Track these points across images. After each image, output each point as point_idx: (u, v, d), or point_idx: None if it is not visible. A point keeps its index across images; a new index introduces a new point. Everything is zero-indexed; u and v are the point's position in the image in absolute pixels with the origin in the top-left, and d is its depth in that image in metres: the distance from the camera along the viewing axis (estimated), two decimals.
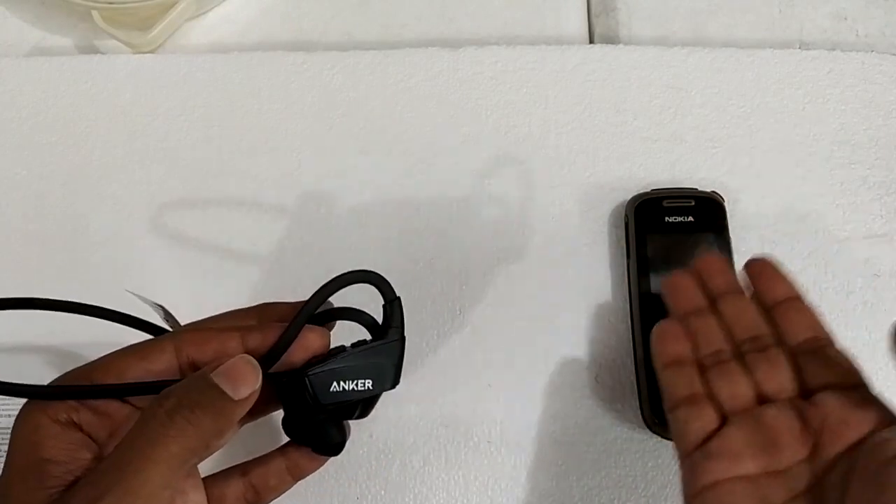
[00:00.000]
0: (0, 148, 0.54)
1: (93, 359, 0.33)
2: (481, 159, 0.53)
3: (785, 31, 0.57)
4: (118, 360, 0.33)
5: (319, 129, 0.54)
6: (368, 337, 0.36)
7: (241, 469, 0.36)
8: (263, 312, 0.37)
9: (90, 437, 0.32)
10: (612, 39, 0.58)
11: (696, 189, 0.50)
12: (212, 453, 0.33)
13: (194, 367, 0.34)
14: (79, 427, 0.32)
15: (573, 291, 0.49)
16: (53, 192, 0.52)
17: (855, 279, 0.49)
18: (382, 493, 0.46)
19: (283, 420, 0.36)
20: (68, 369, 0.33)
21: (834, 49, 0.55)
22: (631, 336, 0.48)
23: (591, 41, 0.58)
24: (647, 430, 0.46)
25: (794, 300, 0.38)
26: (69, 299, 0.36)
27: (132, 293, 0.40)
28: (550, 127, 0.53)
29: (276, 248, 0.51)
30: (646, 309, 0.47)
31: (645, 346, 0.46)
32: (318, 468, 0.37)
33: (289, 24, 0.58)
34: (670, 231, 0.48)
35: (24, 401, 0.32)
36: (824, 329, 0.37)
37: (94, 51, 0.57)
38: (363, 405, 0.36)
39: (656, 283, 0.47)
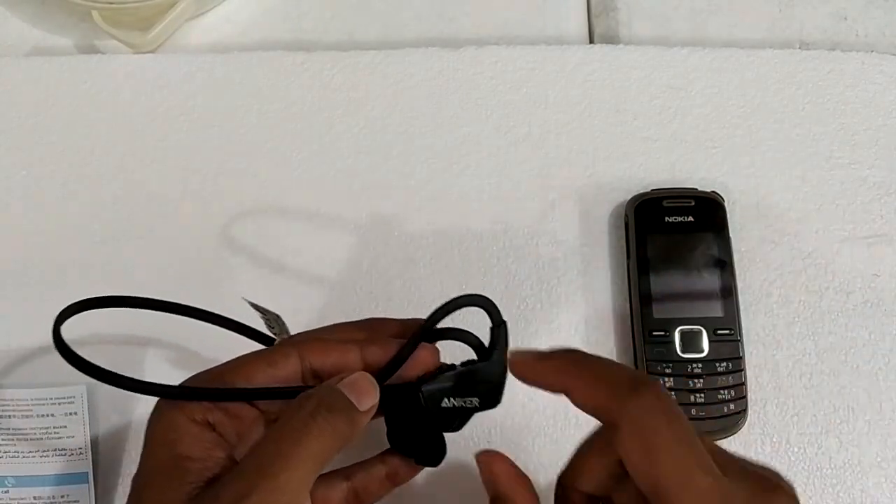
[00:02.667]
0: (0, 148, 0.54)
1: (195, 358, 0.37)
2: (481, 159, 0.53)
3: (785, 31, 0.57)
4: (247, 364, 0.35)
5: (319, 129, 0.54)
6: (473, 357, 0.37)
7: (345, 473, 0.38)
8: (372, 327, 0.38)
9: (222, 437, 0.34)
10: (612, 39, 0.58)
11: (696, 189, 0.50)
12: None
13: (315, 375, 0.35)
14: (212, 427, 0.33)
15: (573, 291, 0.49)
16: (53, 192, 0.52)
17: (855, 279, 0.49)
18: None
19: (388, 432, 0.38)
20: (165, 368, 0.35)
21: (834, 49, 0.55)
22: (631, 336, 0.48)
23: (591, 41, 0.58)
24: None
25: None
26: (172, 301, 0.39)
27: (248, 301, 0.41)
28: (550, 127, 0.53)
29: (276, 248, 0.51)
30: (646, 309, 0.47)
31: (645, 346, 0.46)
32: (414, 476, 0.38)
33: (289, 24, 0.58)
34: (670, 231, 0.48)
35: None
36: None
37: (94, 51, 0.57)
38: (461, 419, 0.37)
39: (656, 283, 0.47)
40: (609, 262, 0.50)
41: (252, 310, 0.42)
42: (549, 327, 0.49)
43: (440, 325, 0.36)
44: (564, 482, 0.35)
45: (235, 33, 0.58)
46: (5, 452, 0.46)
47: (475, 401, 0.36)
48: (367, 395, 0.34)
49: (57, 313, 0.35)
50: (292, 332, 0.41)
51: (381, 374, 0.35)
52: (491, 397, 0.37)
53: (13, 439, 0.46)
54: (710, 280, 0.48)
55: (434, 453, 0.38)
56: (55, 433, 0.46)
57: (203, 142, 0.53)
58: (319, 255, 0.50)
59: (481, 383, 0.36)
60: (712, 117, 0.53)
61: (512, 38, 0.57)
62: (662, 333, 0.46)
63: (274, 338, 0.41)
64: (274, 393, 0.34)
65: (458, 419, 0.37)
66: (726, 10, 0.58)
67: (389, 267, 0.50)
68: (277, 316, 0.42)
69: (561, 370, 0.35)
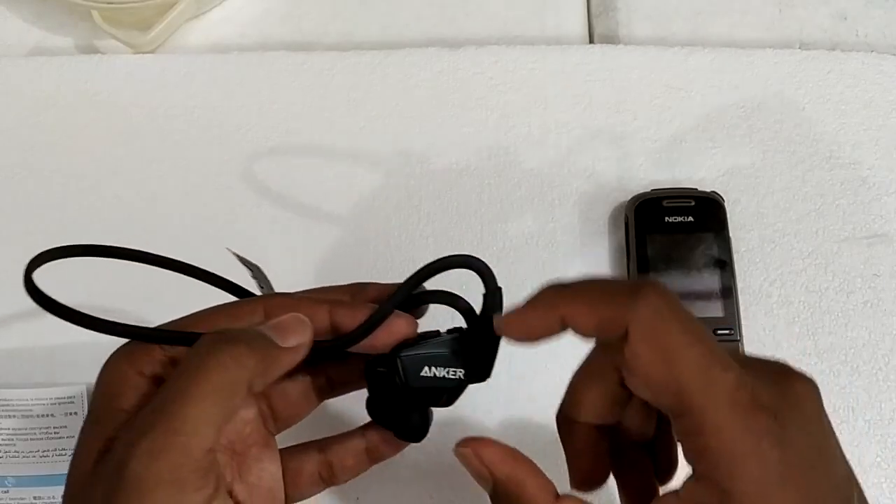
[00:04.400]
0: (0, 148, 0.54)
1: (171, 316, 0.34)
2: (481, 159, 0.53)
3: (785, 31, 0.57)
4: (210, 317, 0.33)
5: (319, 129, 0.54)
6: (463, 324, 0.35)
7: (319, 445, 0.36)
8: (357, 291, 0.36)
9: None
10: (612, 39, 0.58)
11: (696, 189, 0.50)
12: (288, 425, 0.34)
13: None
14: (161, 382, 0.31)
15: None
16: (54, 191, 0.52)
17: (855, 279, 0.49)
18: (382, 493, 0.46)
19: (368, 401, 0.35)
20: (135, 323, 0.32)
21: (834, 49, 0.55)
22: None
23: (591, 41, 0.58)
24: None
25: None
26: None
27: (231, 250, 0.40)
28: (550, 127, 0.53)
29: (276, 249, 0.51)
30: None
31: None
32: (396, 453, 0.36)
33: (289, 24, 0.58)
34: (670, 231, 0.48)
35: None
36: None
37: (94, 51, 0.57)
38: (450, 393, 0.35)
39: None
40: (609, 262, 0.50)
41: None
42: None
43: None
44: (566, 417, 0.33)
45: (235, 33, 0.58)
46: (5, 452, 0.46)
47: (460, 372, 0.33)
48: (291, 333, 0.31)
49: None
50: None
51: (348, 339, 0.32)
52: (479, 369, 0.34)
53: (13, 439, 0.46)
54: (710, 280, 0.48)
55: (415, 428, 0.35)
56: (55, 433, 0.46)
57: (203, 142, 0.53)
58: (319, 256, 0.50)
59: (469, 353, 0.34)
60: (712, 117, 0.53)
61: (512, 38, 0.57)
62: None
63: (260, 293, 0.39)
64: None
65: (445, 393, 0.34)
66: (726, 10, 0.58)
67: (389, 267, 0.50)
68: (258, 267, 0.40)
69: (553, 303, 0.31)
